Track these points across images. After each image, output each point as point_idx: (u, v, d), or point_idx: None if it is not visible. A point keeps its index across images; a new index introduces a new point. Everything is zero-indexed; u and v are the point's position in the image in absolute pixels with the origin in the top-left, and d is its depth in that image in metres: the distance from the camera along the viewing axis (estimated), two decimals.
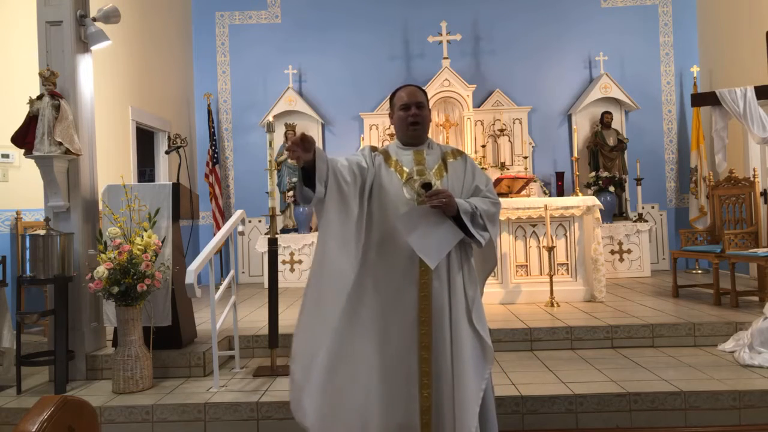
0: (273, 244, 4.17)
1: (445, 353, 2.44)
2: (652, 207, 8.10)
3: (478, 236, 2.46)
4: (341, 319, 2.46)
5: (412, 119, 2.57)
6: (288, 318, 5.19)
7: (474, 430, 2.39)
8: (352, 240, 2.46)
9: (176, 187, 4.19)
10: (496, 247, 2.68)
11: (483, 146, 7.77)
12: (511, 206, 5.69)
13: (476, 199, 2.53)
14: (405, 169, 2.55)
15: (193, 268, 3.56)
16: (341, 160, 2.48)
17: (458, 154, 2.66)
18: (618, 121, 7.98)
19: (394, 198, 2.50)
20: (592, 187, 7.55)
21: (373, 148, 2.65)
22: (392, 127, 2.72)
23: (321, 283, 2.50)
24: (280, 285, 4.43)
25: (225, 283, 4.18)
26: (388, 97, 2.70)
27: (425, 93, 2.66)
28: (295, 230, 7.66)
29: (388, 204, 2.49)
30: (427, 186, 2.44)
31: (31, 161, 4.01)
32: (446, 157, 2.62)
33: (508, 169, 7.71)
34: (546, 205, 5.55)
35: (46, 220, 3.94)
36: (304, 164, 2.33)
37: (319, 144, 8.11)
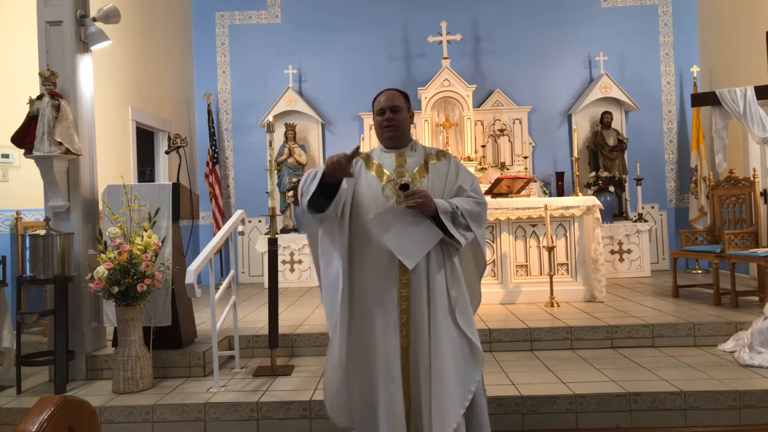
0: (273, 244, 4.17)
1: (424, 354, 2.43)
2: (652, 207, 8.10)
3: (458, 236, 2.44)
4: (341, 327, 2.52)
5: (386, 123, 2.58)
6: (288, 318, 5.20)
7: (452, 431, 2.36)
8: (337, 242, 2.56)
9: (176, 187, 4.19)
10: (483, 246, 2.66)
11: (483, 146, 7.78)
12: (511, 206, 5.69)
13: (458, 199, 2.52)
14: (386, 171, 2.56)
15: (193, 268, 3.56)
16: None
17: (442, 155, 2.66)
18: (618, 121, 7.98)
19: (372, 201, 2.51)
20: (592, 187, 7.56)
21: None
22: None
23: (324, 293, 2.63)
24: (280, 285, 4.43)
25: (225, 283, 4.18)
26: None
27: (405, 96, 2.65)
28: (295, 230, 7.66)
29: (368, 207, 2.50)
30: (404, 187, 2.44)
31: (31, 161, 4.01)
32: (429, 158, 2.62)
33: (508, 169, 7.71)
34: (546, 205, 5.55)
35: (46, 220, 3.94)
36: (326, 179, 2.41)
37: (318, 144, 8.18)
